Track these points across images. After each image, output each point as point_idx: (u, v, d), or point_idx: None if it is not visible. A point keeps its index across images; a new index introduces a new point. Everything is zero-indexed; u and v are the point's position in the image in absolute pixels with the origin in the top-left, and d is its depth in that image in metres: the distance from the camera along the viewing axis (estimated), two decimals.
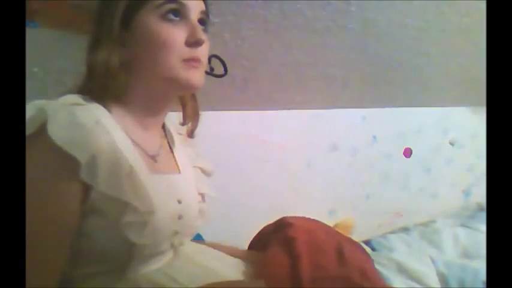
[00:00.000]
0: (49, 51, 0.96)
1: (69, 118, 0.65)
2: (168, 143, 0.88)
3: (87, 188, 0.66)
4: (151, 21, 0.73)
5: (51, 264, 0.67)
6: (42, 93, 0.70)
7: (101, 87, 0.72)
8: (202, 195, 0.90)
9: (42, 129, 0.63)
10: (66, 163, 0.63)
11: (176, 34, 0.73)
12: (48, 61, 0.98)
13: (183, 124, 0.91)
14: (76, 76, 0.75)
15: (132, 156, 0.71)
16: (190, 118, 0.90)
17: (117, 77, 0.73)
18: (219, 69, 0.88)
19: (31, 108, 0.65)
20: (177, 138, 0.91)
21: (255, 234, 1.03)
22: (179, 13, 0.74)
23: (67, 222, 0.66)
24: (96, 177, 0.64)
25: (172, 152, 0.87)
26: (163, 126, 0.89)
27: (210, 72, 0.87)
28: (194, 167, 0.91)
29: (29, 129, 0.64)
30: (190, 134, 0.93)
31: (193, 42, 0.75)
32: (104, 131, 0.68)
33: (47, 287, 0.66)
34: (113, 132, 0.70)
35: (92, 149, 0.64)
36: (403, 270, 1.39)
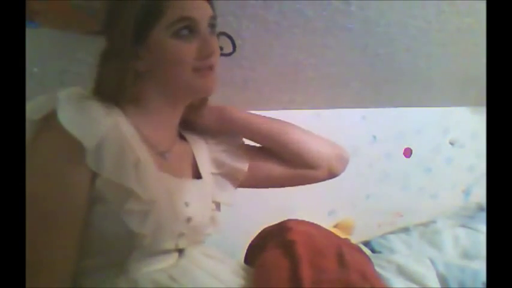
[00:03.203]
0: (49, 51, 0.96)
1: (79, 105, 0.67)
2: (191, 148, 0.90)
3: (93, 175, 0.67)
4: (165, 38, 0.74)
5: (65, 251, 0.68)
6: (42, 93, 0.70)
7: (113, 96, 0.74)
8: (217, 203, 0.90)
9: (52, 114, 0.65)
10: (75, 148, 0.65)
11: (188, 49, 0.75)
12: (48, 61, 0.98)
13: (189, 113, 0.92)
14: (76, 76, 0.75)
15: (139, 149, 0.73)
16: (198, 107, 0.91)
17: (130, 87, 0.75)
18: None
19: (41, 96, 0.68)
20: (200, 143, 0.92)
21: (254, 235, 1.03)
22: (191, 28, 0.75)
23: (77, 206, 0.68)
24: (102, 164, 0.66)
25: (192, 156, 0.89)
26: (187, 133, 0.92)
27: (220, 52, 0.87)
28: (214, 173, 0.91)
29: (39, 113, 0.67)
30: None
31: (205, 56, 0.77)
32: (113, 122, 0.70)
33: (63, 275, 0.68)
34: (122, 125, 0.72)
35: (99, 137, 0.66)
36: (403, 272, 1.39)
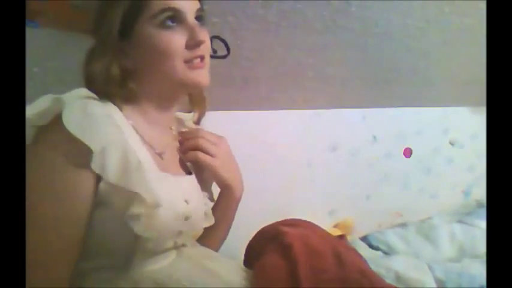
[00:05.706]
0: (49, 51, 0.96)
1: (83, 109, 0.67)
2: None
3: (97, 179, 0.67)
4: (150, 30, 0.74)
5: (66, 253, 0.68)
6: (42, 93, 0.70)
7: (104, 94, 0.74)
8: (208, 197, 0.91)
9: (58, 119, 0.64)
10: (81, 152, 0.64)
11: (176, 40, 0.75)
12: (48, 61, 0.98)
13: (190, 111, 0.94)
14: (76, 76, 0.75)
15: (140, 151, 0.73)
16: (197, 105, 0.93)
17: (119, 85, 0.75)
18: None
19: (46, 99, 0.67)
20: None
21: (253, 235, 1.03)
22: (176, 18, 0.76)
23: (81, 210, 0.67)
24: (106, 168, 0.66)
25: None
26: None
27: (213, 55, 0.88)
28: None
29: (45, 119, 0.66)
30: (198, 122, 0.95)
31: (193, 45, 0.76)
32: (115, 125, 0.70)
33: (62, 275, 0.68)
34: (123, 128, 0.72)
35: (103, 141, 0.66)
36: (401, 279, 1.38)
